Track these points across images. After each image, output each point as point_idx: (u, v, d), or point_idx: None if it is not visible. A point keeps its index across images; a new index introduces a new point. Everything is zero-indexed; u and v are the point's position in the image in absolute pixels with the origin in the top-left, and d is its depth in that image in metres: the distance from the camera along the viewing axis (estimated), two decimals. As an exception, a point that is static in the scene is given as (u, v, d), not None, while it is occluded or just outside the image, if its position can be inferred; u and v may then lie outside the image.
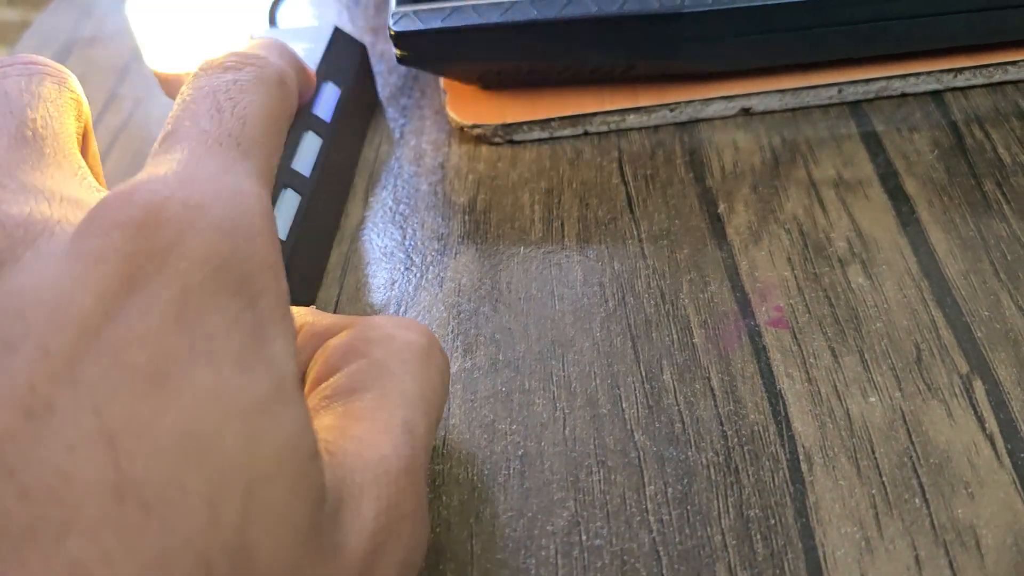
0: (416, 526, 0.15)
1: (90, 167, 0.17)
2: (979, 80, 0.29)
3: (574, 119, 0.29)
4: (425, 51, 0.27)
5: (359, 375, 0.17)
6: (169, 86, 0.25)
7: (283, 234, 0.24)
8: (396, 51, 0.27)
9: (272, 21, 0.34)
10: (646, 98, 0.29)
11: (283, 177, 0.24)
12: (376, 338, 0.17)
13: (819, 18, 0.26)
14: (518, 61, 0.27)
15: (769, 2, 0.25)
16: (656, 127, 0.29)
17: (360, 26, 0.37)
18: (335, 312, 0.25)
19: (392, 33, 0.27)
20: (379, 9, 0.37)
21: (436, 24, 0.26)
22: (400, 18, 0.27)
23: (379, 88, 0.33)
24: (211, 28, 0.25)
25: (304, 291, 0.25)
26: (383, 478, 0.15)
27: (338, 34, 0.30)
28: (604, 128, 0.29)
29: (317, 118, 0.26)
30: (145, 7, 0.24)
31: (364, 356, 0.17)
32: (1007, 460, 0.20)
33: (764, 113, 0.29)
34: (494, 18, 0.26)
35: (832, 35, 0.27)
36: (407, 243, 0.26)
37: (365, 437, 0.15)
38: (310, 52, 0.28)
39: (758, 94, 0.28)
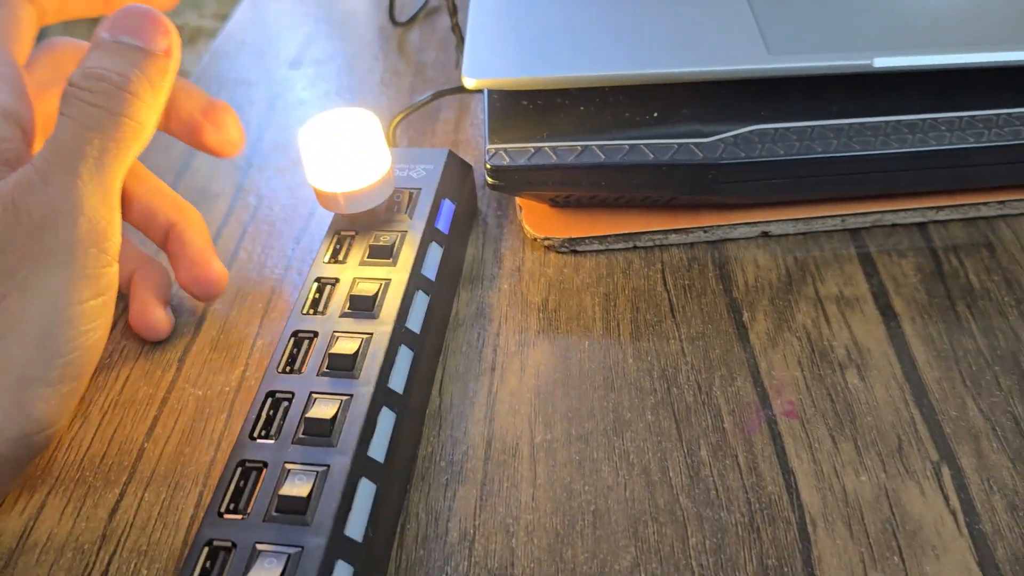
0: None
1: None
2: (956, 216, 0.36)
3: (626, 236, 0.35)
4: (512, 181, 0.34)
5: None
6: (323, 200, 0.32)
7: (418, 330, 0.30)
8: (488, 179, 0.34)
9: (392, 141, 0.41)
10: (684, 221, 0.35)
11: (414, 281, 0.31)
12: None
13: (829, 170, 0.33)
14: (585, 192, 0.34)
15: (788, 157, 0.32)
16: (692, 244, 0.36)
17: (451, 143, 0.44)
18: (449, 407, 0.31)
19: (488, 167, 0.34)
20: (457, 125, 0.45)
21: (522, 162, 0.33)
22: (494, 155, 0.34)
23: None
24: (362, 155, 0.31)
25: (427, 368, 0.31)
26: None
27: (451, 157, 0.36)
28: (650, 243, 0.36)
29: (438, 231, 0.33)
30: (314, 134, 0.31)
31: None
32: (966, 531, 0.26)
33: (780, 236, 0.36)
34: (568, 160, 0.33)
35: (838, 182, 0.34)
36: (497, 333, 0.33)
37: None
38: (430, 172, 0.35)
39: (776, 221, 0.35)
